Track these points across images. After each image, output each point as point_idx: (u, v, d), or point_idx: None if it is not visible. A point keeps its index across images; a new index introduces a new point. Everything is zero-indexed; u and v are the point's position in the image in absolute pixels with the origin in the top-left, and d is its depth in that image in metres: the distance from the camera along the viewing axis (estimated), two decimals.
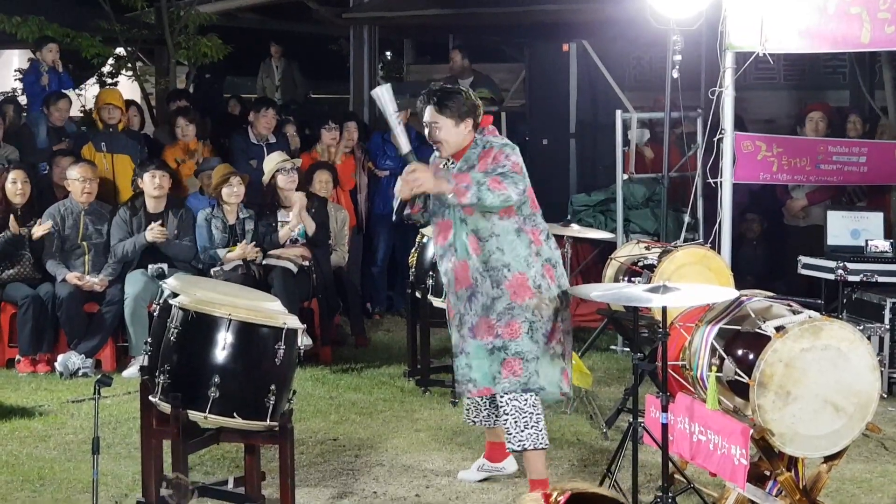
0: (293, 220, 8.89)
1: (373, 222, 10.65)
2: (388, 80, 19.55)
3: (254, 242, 8.79)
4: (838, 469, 5.38)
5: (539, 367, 5.47)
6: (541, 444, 5.50)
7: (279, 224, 8.94)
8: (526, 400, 5.48)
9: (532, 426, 5.47)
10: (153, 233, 8.56)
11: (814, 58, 11.92)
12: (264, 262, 8.81)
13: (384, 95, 5.34)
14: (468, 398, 5.82)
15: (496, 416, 5.78)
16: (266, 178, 9.04)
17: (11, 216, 8.47)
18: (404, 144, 5.42)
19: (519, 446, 5.49)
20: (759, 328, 4.93)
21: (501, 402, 5.52)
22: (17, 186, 8.63)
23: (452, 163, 5.53)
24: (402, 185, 5.37)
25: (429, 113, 5.48)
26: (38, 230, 8.48)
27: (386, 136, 10.62)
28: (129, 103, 10.93)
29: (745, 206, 10.08)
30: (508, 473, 5.97)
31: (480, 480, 5.98)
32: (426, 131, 5.53)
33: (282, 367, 5.00)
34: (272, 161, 9.07)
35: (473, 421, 5.93)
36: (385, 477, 6.09)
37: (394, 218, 5.80)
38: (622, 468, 5.54)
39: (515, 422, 5.47)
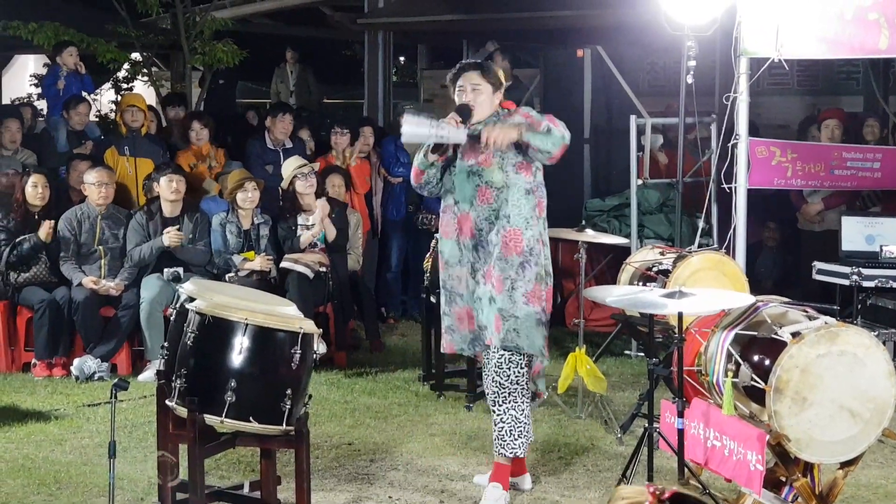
0: (317, 227, 8.90)
1: (386, 228, 10.67)
2: (402, 86, 19.64)
3: (269, 255, 8.82)
4: (854, 475, 5.38)
5: (518, 327, 5.66)
6: (524, 452, 5.81)
7: (299, 228, 8.96)
8: (523, 410, 5.71)
9: (523, 436, 5.74)
10: (170, 237, 8.59)
11: (827, 63, 11.92)
12: (280, 266, 8.83)
13: (412, 127, 5.59)
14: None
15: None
16: (285, 184, 9.08)
17: (46, 223, 8.50)
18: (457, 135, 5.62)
19: (514, 454, 5.73)
20: (776, 334, 4.93)
21: (498, 410, 5.70)
22: (37, 190, 8.66)
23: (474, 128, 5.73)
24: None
25: (474, 76, 5.73)
26: (42, 230, 8.50)
27: (399, 143, 10.64)
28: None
29: (759, 213, 10.07)
30: (524, 490, 5.95)
31: None
32: (462, 95, 5.73)
33: (298, 372, 5.01)
34: (289, 166, 9.11)
35: None
36: (400, 481, 6.10)
37: (428, 151, 5.76)
38: (637, 473, 5.55)
39: (511, 430, 5.71)
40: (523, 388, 5.73)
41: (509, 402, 5.70)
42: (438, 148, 5.68)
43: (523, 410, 5.73)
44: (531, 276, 5.69)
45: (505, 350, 5.66)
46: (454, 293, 5.87)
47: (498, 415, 5.71)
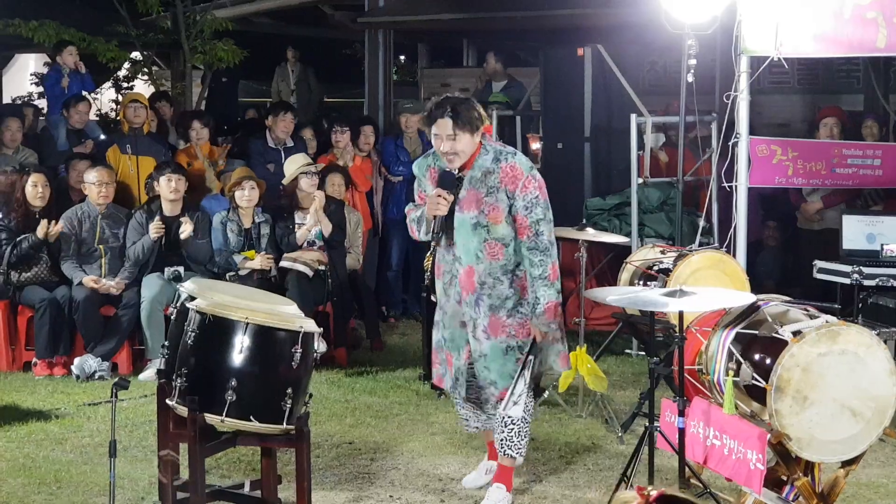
0: (310, 220, 8.91)
1: (387, 227, 10.67)
2: (403, 85, 19.64)
3: (269, 254, 8.82)
4: (855, 474, 5.37)
5: (539, 356, 5.68)
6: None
7: (296, 226, 8.97)
8: (530, 411, 5.73)
9: (528, 437, 5.78)
10: (153, 230, 8.59)
11: (828, 62, 11.91)
12: (280, 266, 8.84)
13: None
14: (462, 408, 5.97)
15: (492, 415, 5.84)
16: (288, 180, 9.07)
17: (43, 221, 8.50)
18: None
19: (519, 455, 5.74)
20: (776, 332, 4.93)
21: (510, 412, 5.63)
22: (37, 190, 8.67)
23: (459, 175, 5.59)
24: (435, 208, 5.52)
25: (447, 126, 5.50)
26: (53, 229, 8.51)
27: (399, 143, 10.65)
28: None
29: (759, 211, 10.06)
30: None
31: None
32: (438, 143, 5.56)
33: (298, 371, 5.01)
34: (296, 163, 9.09)
35: (476, 427, 6.00)
36: (401, 481, 6.10)
37: (432, 236, 5.70)
38: (638, 472, 5.54)
39: (519, 431, 5.70)
40: (530, 391, 5.72)
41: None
42: (436, 228, 5.59)
43: (530, 411, 5.75)
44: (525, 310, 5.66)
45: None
46: (439, 333, 5.85)
47: (510, 416, 5.67)
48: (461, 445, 6.69)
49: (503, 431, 5.71)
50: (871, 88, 11.47)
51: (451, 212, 5.59)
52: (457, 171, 5.58)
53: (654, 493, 2.65)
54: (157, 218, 8.67)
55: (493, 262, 5.57)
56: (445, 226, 5.60)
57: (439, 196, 5.51)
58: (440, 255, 5.79)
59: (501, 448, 5.73)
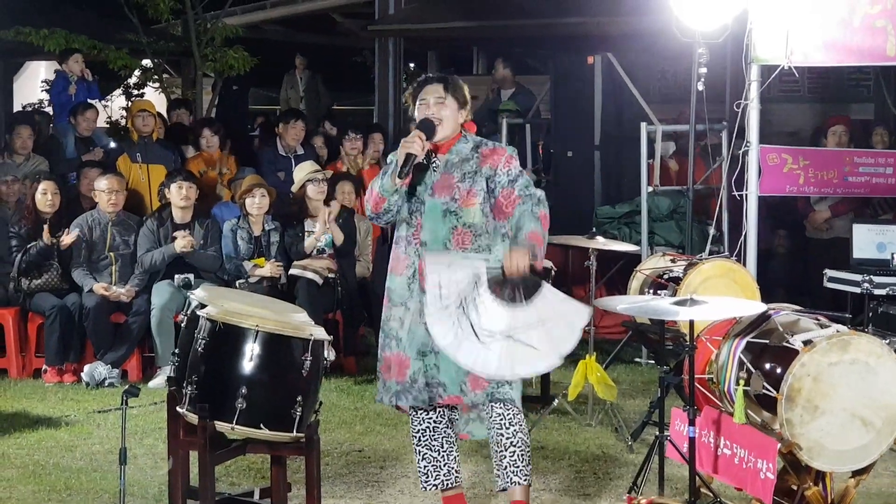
0: (319, 229, 8.92)
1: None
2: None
3: (278, 262, 8.83)
4: (865, 483, 5.36)
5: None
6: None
7: (306, 234, 8.98)
8: (527, 433, 5.28)
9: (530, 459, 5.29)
10: (182, 242, 8.60)
11: (838, 71, 11.91)
12: (290, 273, 8.85)
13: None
14: (427, 453, 5.44)
15: (457, 473, 5.47)
16: (296, 188, 9.09)
17: (45, 227, 8.52)
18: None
19: (526, 480, 5.22)
20: (787, 342, 4.92)
21: (508, 433, 5.19)
22: (47, 198, 8.70)
23: (435, 158, 5.34)
24: (410, 144, 5.17)
25: (438, 90, 5.31)
26: (66, 238, 8.55)
27: None
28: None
29: (769, 220, 10.06)
30: None
31: None
32: (424, 109, 5.30)
33: (308, 379, 5.01)
34: (303, 170, 9.11)
35: (434, 485, 5.43)
36: (410, 489, 6.09)
37: (399, 173, 5.21)
38: (648, 482, 5.53)
39: (522, 454, 5.22)
40: (521, 410, 5.30)
41: (517, 424, 5.23)
42: (405, 167, 5.17)
43: (528, 433, 5.32)
44: None
45: (500, 402, 5.18)
46: (391, 336, 5.32)
47: (508, 438, 5.21)
48: (470, 453, 6.68)
49: (506, 455, 5.21)
50: (881, 97, 11.47)
51: (424, 167, 5.29)
52: (428, 154, 5.26)
53: (644, 501, 2.62)
54: (185, 231, 8.68)
55: (459, 252, 5.22)
56: (415, 169, 5.23)
57: (417, 135, 5.19)
58: (402, 247, 5.39)
59: (506, 475, 5.23)
